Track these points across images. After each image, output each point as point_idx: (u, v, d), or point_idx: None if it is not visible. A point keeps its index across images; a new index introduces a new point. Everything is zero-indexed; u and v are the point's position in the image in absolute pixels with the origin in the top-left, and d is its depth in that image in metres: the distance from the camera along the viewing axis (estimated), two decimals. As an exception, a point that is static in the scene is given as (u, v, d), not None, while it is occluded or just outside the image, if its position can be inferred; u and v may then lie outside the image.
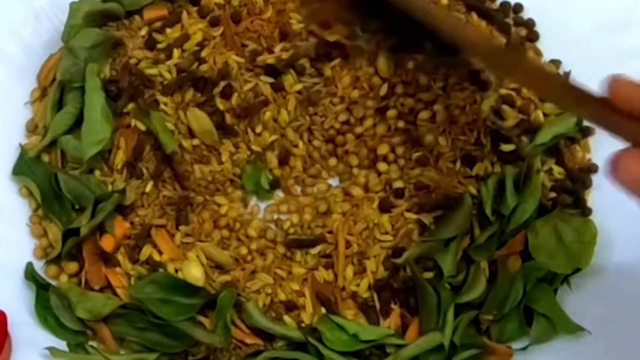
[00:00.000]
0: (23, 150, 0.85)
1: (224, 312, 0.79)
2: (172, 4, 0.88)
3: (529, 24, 0.92)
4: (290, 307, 0.81)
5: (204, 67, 0.85)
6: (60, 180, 0.83)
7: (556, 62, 0.90)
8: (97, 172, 0.85)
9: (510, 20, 0.92)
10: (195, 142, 0.84)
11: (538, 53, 0.91)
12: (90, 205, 0.82)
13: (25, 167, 0.85)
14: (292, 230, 0.84)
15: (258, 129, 0.85)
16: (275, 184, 0.85)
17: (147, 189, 0.84)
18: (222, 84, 0.84)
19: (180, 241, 0.83)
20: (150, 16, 0.88)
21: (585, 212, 0.85)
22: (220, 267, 0.83)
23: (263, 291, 0.82)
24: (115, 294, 0.82)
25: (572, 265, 0.82)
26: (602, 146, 0.88)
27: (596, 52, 0.90)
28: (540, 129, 0.85)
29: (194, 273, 0.81)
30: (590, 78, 0.89)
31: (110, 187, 0.84)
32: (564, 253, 0.82)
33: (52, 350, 0.79)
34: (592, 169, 0.88)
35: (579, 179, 0.86)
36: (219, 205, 0.84)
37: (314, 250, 0.83)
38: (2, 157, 0.85)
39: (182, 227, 0.83)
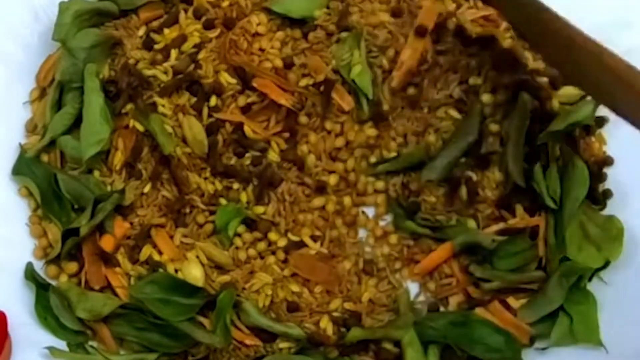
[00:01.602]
0: (22, 150, 0.85)
1: (224, 313, 0.79)
2: (166, 3, 0.88)
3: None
4: (292, 308, 0.81)
5: (200, 72, 0.84)
6: (60, 181, 0.83)
7: None
8: (96, 173, 0.85)
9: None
10: (189, 149, 0.84)
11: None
12: (89, 206, 0.82)
13: (24, 167, 0.85)
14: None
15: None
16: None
17: (146, 190, 0.84)
18: (214, 99, 0.84)
19: (180, 241, 0.83)
20: (146, 15, 0.88)
21: (599, 203, 0.86)
22: (219, 268, 0.82)
23: (263, 291, 0.82)
24: (115, 294, 0.82)
25: (602, 258, 0.83)
26: (617, 139, 0.88)
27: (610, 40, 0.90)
28: (555, 117, 0.85)
29: (194, 273, 0.81)
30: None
31: (109, 188, 0.84)
32: (593, 247, 0.83)
33: (52, 350, 0.79)
34: (607, 161, 0.88)
35: (594, 173, 0.86)
36: (213, 212, 0.84)
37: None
38: (1, 157, 0.85)
39: (180, 229, 0.83)
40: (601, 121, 0.89)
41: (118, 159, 0.84)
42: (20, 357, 0.79)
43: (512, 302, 0.83)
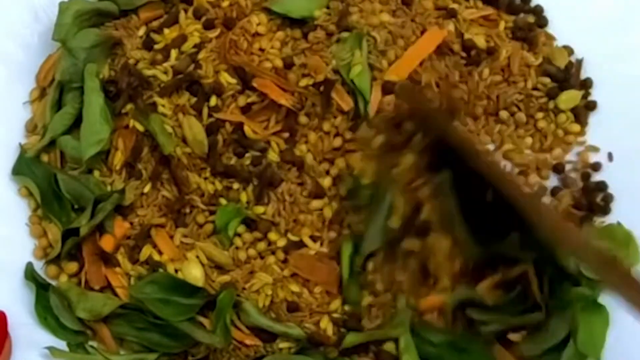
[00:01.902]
0: (22, 150, 0.85)
1: (224, 313, 0.79)
2: (166, 3, 0.88)
3: (537, 10, 0.92)
4: (292, 308, 0.81)
5: (200, 72, 0.84)
6: (60, 181, 0.83)
7: (568, 48, 0.91)
8: (96, 173, 0.85)
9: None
10: (189, 149, 0.84)
11: (550, 38, 0.92)
12: (89, 205, 0.82)
13: (24, 167, 0.85)
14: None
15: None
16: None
17: (146, 190, 0.84)
18: (214, 99, 0.84)
19: (180, 241, 0.83)
20: (146, 15, 0.88)
21: (606, 211, 0.86)
22: (219, 268, 0.82)
23: (263, 291, 0.82)
24: (115, 294, 0.82)
25: None
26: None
27: (607, 42, 0.91)
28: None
29: (194, 273, 0.81)
30: (602, 68, 0.90)
31: (109, 188, 0.84)
32: None
33: (51, 349, 0.79)
34: (595, 168, 0.88)
35: (593, 187, 0.87)
36: (213, 212, 0.84)
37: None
38: (1, 157, 0.85)
39: (180, 229, 0.83)
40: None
41: (118, 159, 0.84)
42: (20, 357, 0.79)
43: (513, 336, 0.81)
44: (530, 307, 0.81)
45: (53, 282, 0.82)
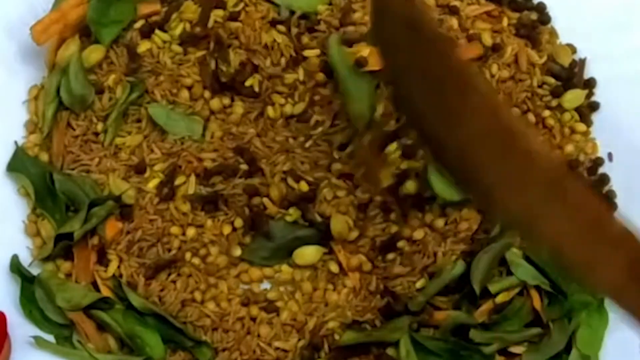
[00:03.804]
0: (18, 147, 0.85)
1: None
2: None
3: (540, 7, 0.91)
4: None
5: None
6: (55, 180, 0.83)
7: (571, 47, 0.90)
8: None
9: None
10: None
11: (553, 34, 0.91)
12: (84, 209, 0.81)
13: (20, 164, 0.84)
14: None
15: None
16: None
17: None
18: None
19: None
20: (143, 12, 0.88)
21: (612, 206, 0.85)
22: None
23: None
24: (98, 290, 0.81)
25: None
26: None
27: (610, 42, 0.90)
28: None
29: None
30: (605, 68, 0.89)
31: (106, 190, 0.83)
32: None
33: (37, 339, 0.79)
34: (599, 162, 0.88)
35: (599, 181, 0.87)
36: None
37: None
38: (1, 157, 0.85)
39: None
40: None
41: (117, 156, 0.84)
42: (19, 357, 0.79)
43: (515, 349, 0.80)
44: (530, 322, 0.81)
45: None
